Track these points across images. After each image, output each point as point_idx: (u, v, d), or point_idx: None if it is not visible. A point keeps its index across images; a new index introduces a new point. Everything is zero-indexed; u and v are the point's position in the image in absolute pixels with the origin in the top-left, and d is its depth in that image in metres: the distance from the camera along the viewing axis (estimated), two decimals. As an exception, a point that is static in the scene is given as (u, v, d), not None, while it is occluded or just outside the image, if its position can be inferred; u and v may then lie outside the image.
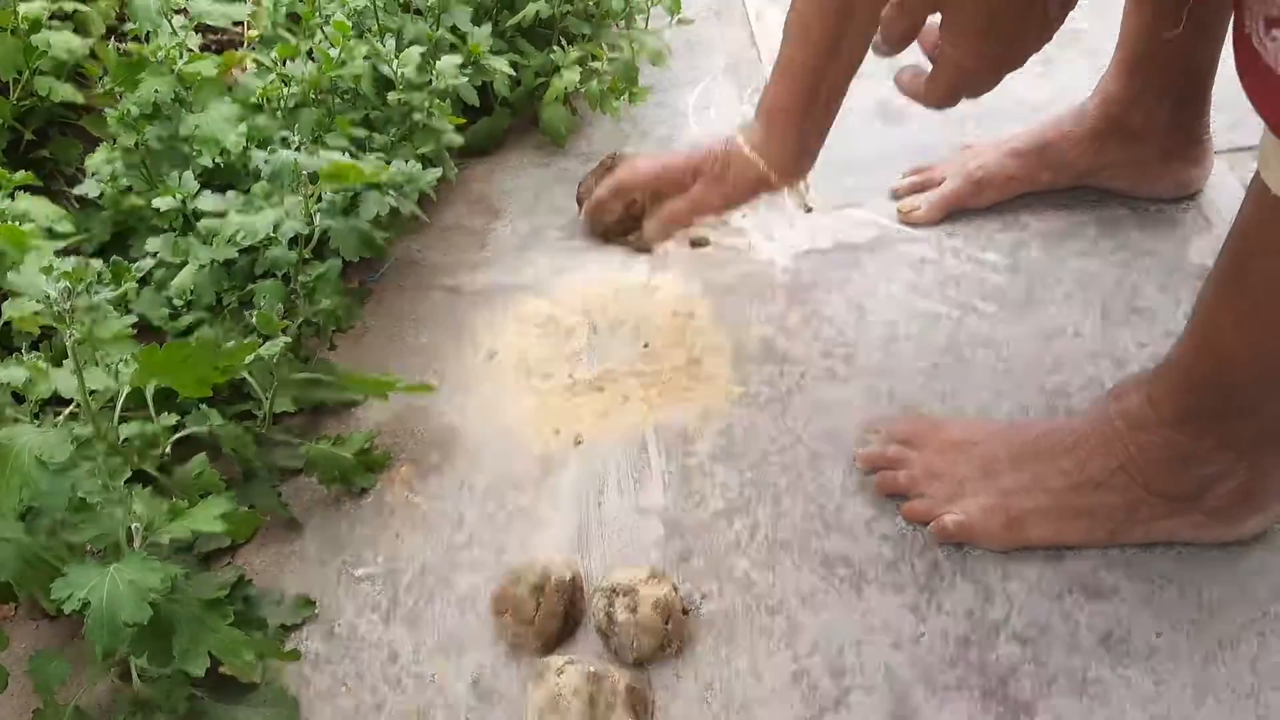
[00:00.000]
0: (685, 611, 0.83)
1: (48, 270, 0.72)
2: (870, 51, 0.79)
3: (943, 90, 0.75)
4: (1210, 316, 0.73)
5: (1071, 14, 0.71)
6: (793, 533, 0.90)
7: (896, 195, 1.21)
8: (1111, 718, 0.74)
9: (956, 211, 1.17)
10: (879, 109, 1.36)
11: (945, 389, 0.99)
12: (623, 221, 1.21)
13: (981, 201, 1.16)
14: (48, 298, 0.72)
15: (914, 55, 0.77)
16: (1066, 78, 1.34)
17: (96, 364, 0.87)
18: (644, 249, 1.19)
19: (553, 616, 0.83)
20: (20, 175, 1.03)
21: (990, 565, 0.84)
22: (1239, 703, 0.73)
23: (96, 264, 0.82)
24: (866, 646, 0.80)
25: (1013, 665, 0.78)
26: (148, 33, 1.14)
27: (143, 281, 1.07)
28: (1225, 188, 1.14)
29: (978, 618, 0.81)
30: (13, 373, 0.88)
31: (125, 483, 0.79)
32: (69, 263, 0.77)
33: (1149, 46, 1.05)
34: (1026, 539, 0.84)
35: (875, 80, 1.41)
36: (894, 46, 0.74)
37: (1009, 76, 0.74)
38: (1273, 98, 0.56)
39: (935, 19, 0.72)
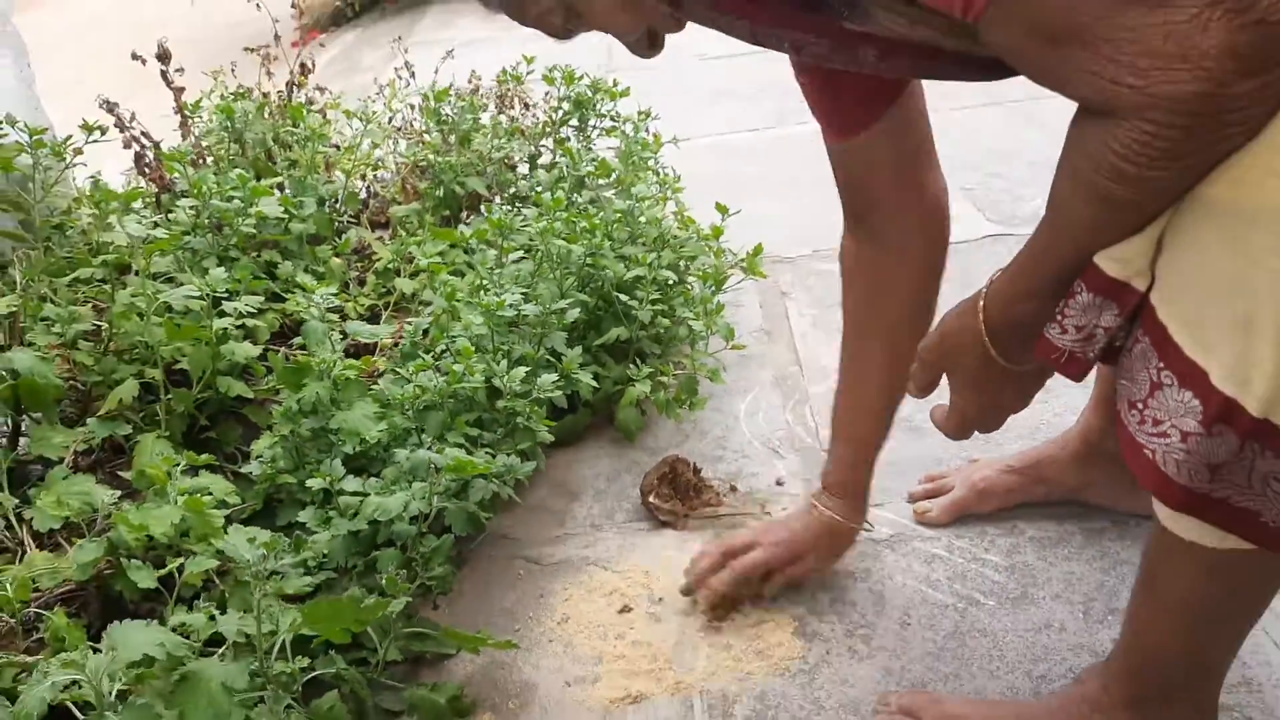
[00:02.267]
0: None
1: (251, 540, 0.97)
2: (908, 393, 1.05)
3: (955, 426, 1.01)
4: (1133, 617, 0.93)
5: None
6: (814, 789, 1.06)
7: (913, 499, 1.43)
8: None
9: (964, 516, 1.39)
10: (901, 423, 1.60)
11: (948, 670, 1.17)
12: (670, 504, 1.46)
13: (985, 508, 1.38)
14: (247, 561, 0.95)
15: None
16: (1061, 405, 1.59)
17: (250, 611, 1.10)
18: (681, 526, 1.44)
19: None
20: (205, 457, 1.31)
21: (979, 824, 0.99)
22: None
23: (282, 537, 1.05)
24: None
25: None
26: (314, 346, 1.44)
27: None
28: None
29: None
30: (192, 618, 1.11)
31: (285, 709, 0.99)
32: (265, 535, 1.01)
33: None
34: (1007, 803, 1.00)
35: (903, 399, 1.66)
36: (922, 392, 1.01)
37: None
38: (1134, 456, 0.79)
39: None
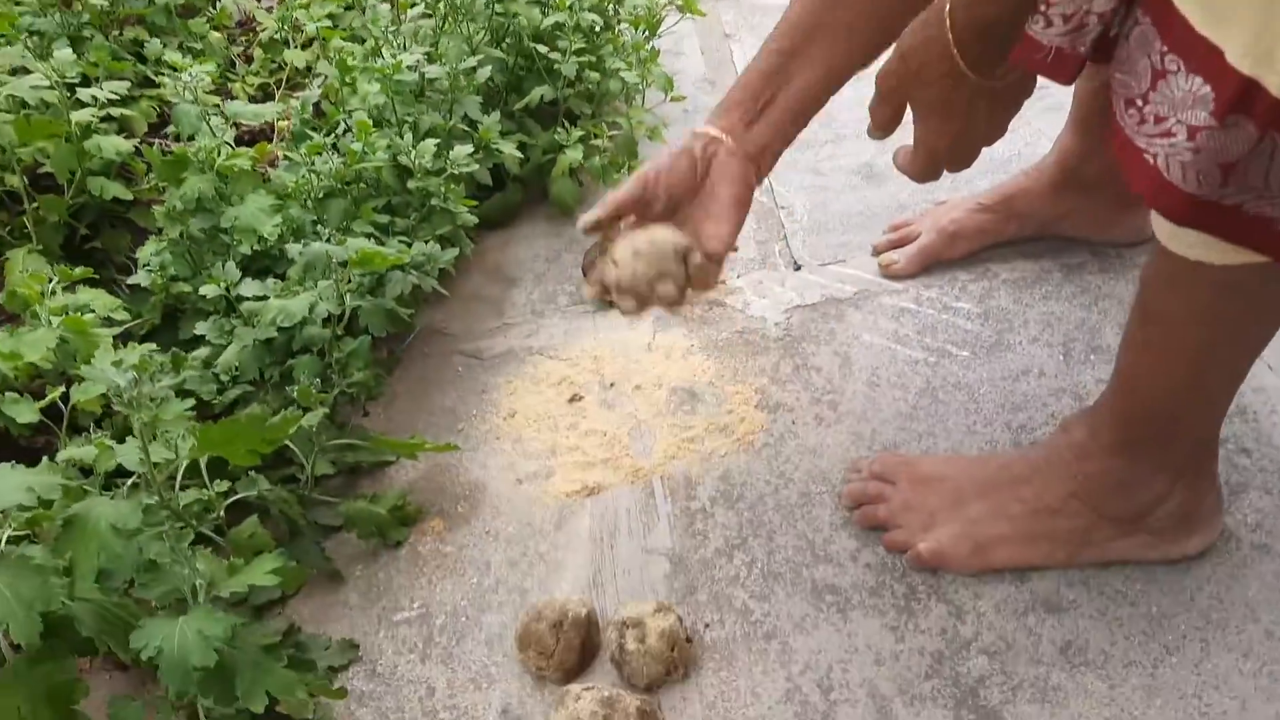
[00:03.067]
0: (689, 640, 0.93)
1: (117, 363, 0.84)
2: (867, 134, 0.90)
3: (922, 165, 0.88)
4: (1128, 352, 0.83)
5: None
6: (786, 565, 0.99)
7: (877, 251, 1.31)
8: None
9: (933, 263, 1.27)
10: (861, 170, 1.47)
11: (922, 429, 1.08)
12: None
13: (955, 253, 1.26)
14: (118, 387, 0.82)
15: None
16: (1033, 132, 1.45)
17: (156, 439, 0.98)
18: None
19: (571, 650, 0.93)
20: (80, 270, 1.15)
21: (962, 587, 0.93)
22: (1184, 702, 0.81)
23: (158, 355, 0.92)
24: (852, 665, 0.89)
25: (982, 676, 0.86)
26: (191, 135, 1.27)
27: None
28: (1179, 230, 1.23)
29: (950, 635, 0.90)
30: (83, 451, 0.99)
31: (189, 545, 0.89)
32: (135, 355, 0.88)
33: (1099, 106, 1.15)
34: (993, 563, 0.93)
35: (858, 142, 1.53)
36: (882, 131, 0.87)
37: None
38: (1132, 163, 0.66)
39: None
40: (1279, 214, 0.63)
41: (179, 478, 0.96)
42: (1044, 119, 1.47)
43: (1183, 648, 0.85)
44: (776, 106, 0.84)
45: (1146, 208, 0.68)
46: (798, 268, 1.33)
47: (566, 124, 1.46)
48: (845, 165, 1.49)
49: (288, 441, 1.07)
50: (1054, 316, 1.17)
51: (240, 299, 1.17)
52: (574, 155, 1.42)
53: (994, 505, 0.93)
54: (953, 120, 0.85)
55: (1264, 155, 0.61)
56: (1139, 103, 0.65)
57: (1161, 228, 0.71)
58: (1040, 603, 0.90)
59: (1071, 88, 1.19)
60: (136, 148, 1.43)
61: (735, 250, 1.34)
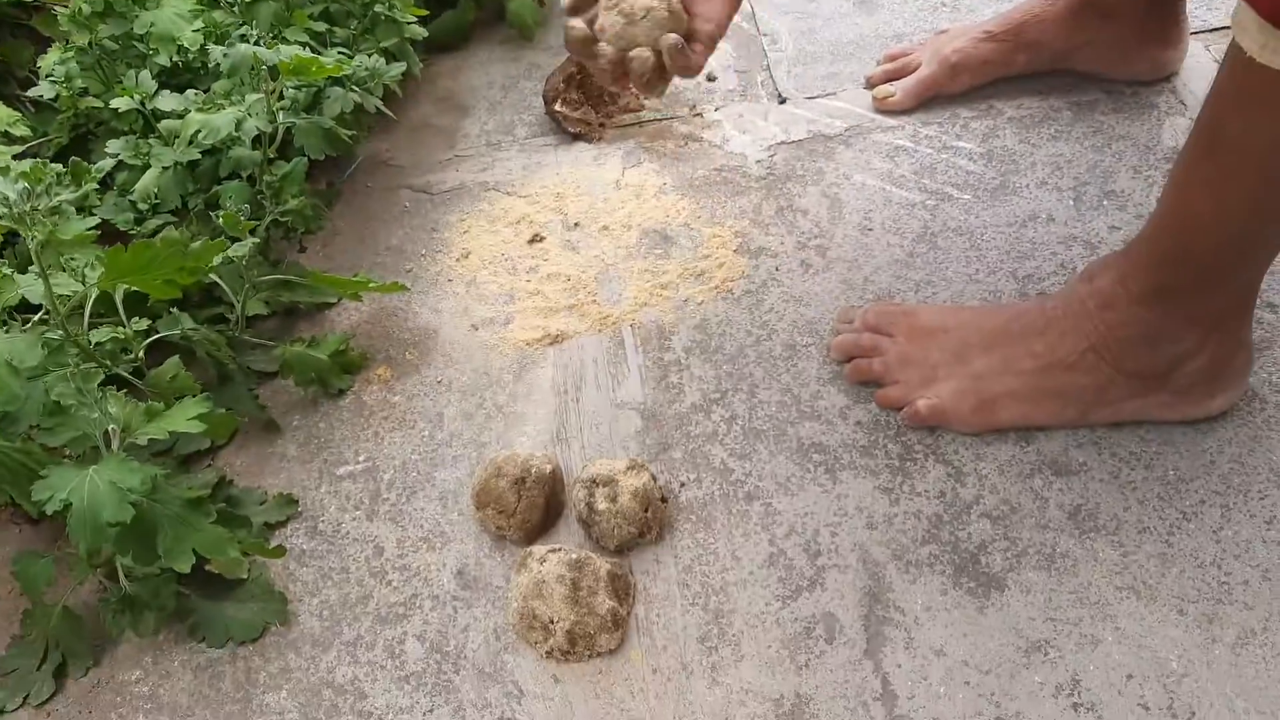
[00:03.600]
0: (664, 500, 0.85)
1: (4, 171, 0.71)
2: None
3: None
4: (1182, 185, 0.73)
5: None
6: (769, 422, 0.90)
7: (871, 83, 1.19)
8: (1079, 588, 0.76)
9: (932, 98, 1.16)
10: (852, -5, 1.34)
11: (919, 278, 0.99)
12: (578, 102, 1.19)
13: (957, 87, 1.15)
14: (6, 199, 0.70)
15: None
16: (1042, -41, 1.32)
17: (63, 269, 0.86)
18: (595, 137, 1.08)
19: (534, 508, 0.84)
20: (-29, 79, 1.01)
21: (962, 447, 0.85)
22: (1202, 571, 0.75)
23: (55, 166, 0.79)
24: (841, 528, 0.82)
25: (983, 542, 0.79)
26: (95, -74, 1.10)
27: (105, 185, 1.05)
28: (1200, 70, 1.13)
29: (949, 498, 0.82)
30: (-23, 281, 0.86)
31: (100, 386, 0.78)
32: (26, 164, 0.75)
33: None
34: (998, 421, 0.85)
35: (849, -35, 1.38)
36: None
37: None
38: None
39: None
40: None
41: (88, 312, 0.84)
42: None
43: (1201, 513, 0.78)
44: None
45: (1248, 4, 0.57)
46: (782, 100, 1.21)
47: (528, -67, 1.30)
48: (835, -8, 1.36)
49: (215, 276, 0.95)
50: (1063, 158, 1.07)
51: (158, 114, 1.02)
52: (536, -32, 1.26)
53: (1002, 359, 0.84)
54: None
55: None
56: None
57: (1251, 39, 0.60)
58: (1047, 464, 0.83)
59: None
60: (38, -56, 1.26)
61: (713, 80, 1.20)
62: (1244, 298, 0.77)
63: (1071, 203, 1.03)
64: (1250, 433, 0.82)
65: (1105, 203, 1.02)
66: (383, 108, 1.08)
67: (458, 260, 1.11)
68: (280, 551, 0.85)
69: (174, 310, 0.95)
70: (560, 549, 0.80)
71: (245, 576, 0.85)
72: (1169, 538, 0.77)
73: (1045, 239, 1.00)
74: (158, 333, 0.93)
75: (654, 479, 0.85)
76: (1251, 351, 0.81)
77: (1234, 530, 0.77)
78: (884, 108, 1.16)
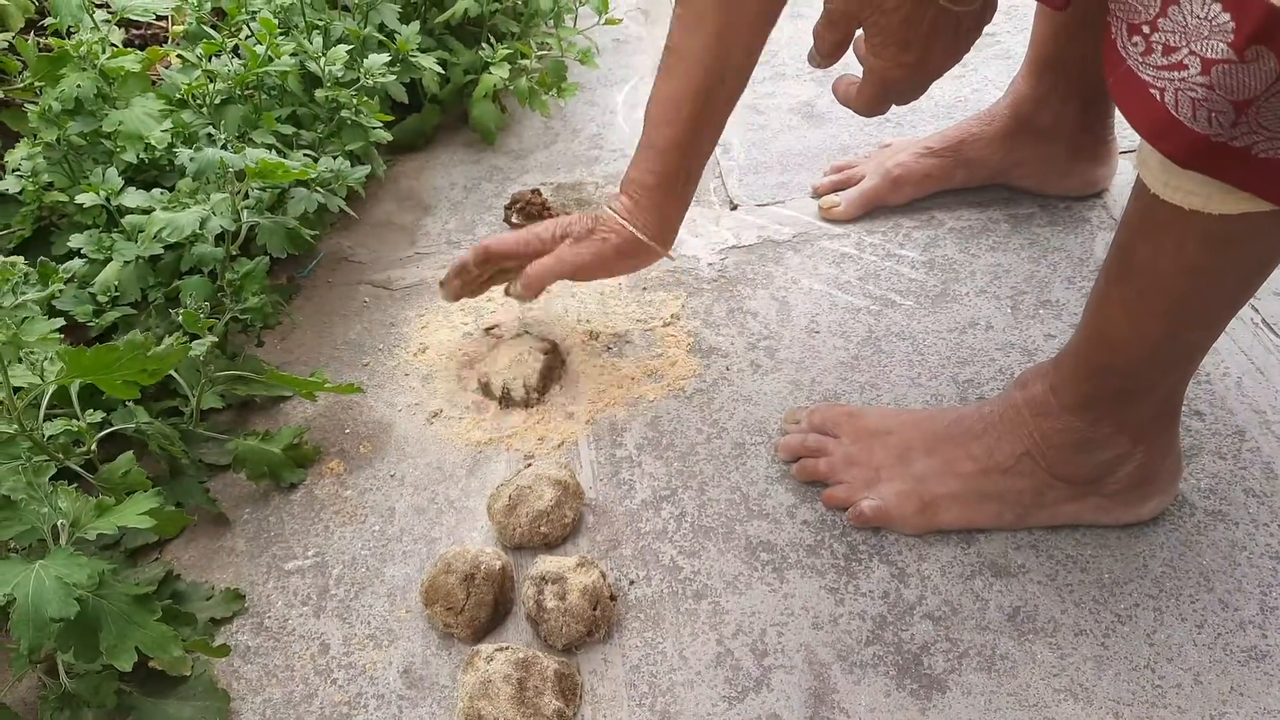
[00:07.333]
0: (613, 598, 0.85)
1: (-30, 265, 0.72)
2: (807, 61, 0.82)
3: (870, 97, 0.80)
4: (1101, 305, 0.77)
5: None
6: (718, 520, 0.92)
7: (818, 193, 1.24)
8: (1018, 690, 0.77)
9: (875, 208, 1.21)
10: (801, 109, 1.40)
11: (864, 380, 1.02)
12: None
13: (899, 199, 1.20)
14: (-34, 295, 0.71)
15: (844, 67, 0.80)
16: (980, 79, 1.39)
17: (20, 361, 0.86)
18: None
19: (482, 606, 0.85)
20: (-63, 171, 1.02)
21: (905, 548, 0.87)
22: (1137, 674, 0.77)
23: (22, 264, 0.80)
24: (788, 628, 0.83)
25: (926, 643, 0.81)
26: (69, 28, 1.13)
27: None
28: (1130, 186, 1.18)
29: (893, 599, 0.84)
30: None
31: (51, 480, 0.78)
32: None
33: (1057, 50, 1.09)
34: (939, 523, 0.87)
35: (799, 82, 1.45)
36: (826, 59, 0.79)
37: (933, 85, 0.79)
38: (1134, 99, 0.59)
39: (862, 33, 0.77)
40: None
41: (44, 405, 0.85)
42: (991, 67, 1.41)
43: (1135, 616, 0.80)
44: (680, 208, 0.98)
45: (1152, 146, 0.62)
46: (734, 207, 1.26)
47: (491, 42, 1.35)
48: (785, 104, 1.42)
49: (171, 371, 0.96)
50: (1001, 268, 1.12)
51: (123, 210, 1.04)
52: (499, 74, 1.31)
53: (943, 461, 0.87)
54: (911, 49, 0.77)
55: None
56: (1145, 30, 0.58)
57: (1154, 176, 0.65)
58: (987, 566, 0.85)
59: (1028, 30, 1.13)
60: (10, 43, 1.28)
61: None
62: (1169, 407, 0.80)
63: (1009, 311, 1.07)
64: (1181, 537, 0.85)
65: (1041, 311, 1.07)
66: (345, 208, 1.11)
67: (415, 355, 1.12)
68: (225, 650, 0.85)
69: (129, 404, 0.95)
70: (508, 647, 0.81)
71: (188, 674, 0.84)
72: (1105, 640, 0.79)
73: (984, 345, 1.04)
74: (112, 426, 0.93)
75: (603, 576, 0.86)
76: (1180, 458, 0.85)
77: (1167, 634, 0.79)
78: (830, 217, 1.21)
